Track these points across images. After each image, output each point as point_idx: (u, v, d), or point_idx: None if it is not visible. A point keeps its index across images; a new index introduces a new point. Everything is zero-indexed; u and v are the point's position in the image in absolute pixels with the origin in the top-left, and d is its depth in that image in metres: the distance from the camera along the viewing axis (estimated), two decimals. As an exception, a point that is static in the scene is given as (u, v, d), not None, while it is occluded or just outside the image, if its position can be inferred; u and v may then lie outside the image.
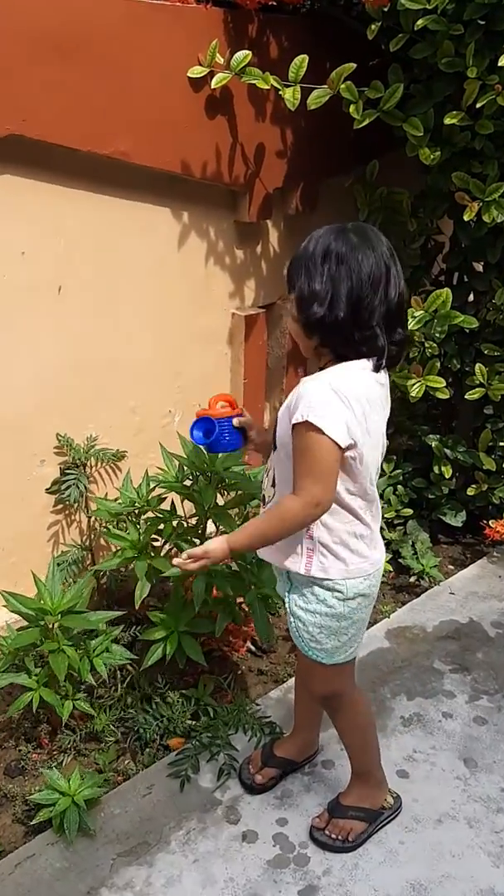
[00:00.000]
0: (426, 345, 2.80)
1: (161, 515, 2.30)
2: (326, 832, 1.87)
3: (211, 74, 2.35)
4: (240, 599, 2.23)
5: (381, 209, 2.89)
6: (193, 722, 2.18)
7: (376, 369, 1.55)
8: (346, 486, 1.56)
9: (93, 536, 2.60)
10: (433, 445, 3.02)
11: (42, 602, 2.04)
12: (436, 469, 3.04)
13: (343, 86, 2.34)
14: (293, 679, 2.39)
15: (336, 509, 1.57)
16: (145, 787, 1.99)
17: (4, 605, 2.10)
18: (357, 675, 2.26)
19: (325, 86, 2.34)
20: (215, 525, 2.25)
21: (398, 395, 3.07)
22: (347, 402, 1.48)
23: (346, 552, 1.61)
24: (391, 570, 2.93)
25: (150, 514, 2.34)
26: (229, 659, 2.44)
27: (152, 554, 2.27)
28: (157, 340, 2.60)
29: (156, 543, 2.32)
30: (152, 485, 2.37)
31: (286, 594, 1.69)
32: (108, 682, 2.22)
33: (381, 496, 2.96)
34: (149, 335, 2.58)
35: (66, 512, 2.56)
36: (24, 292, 2.24)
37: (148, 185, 2.41)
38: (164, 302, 2.58)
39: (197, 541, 2.27)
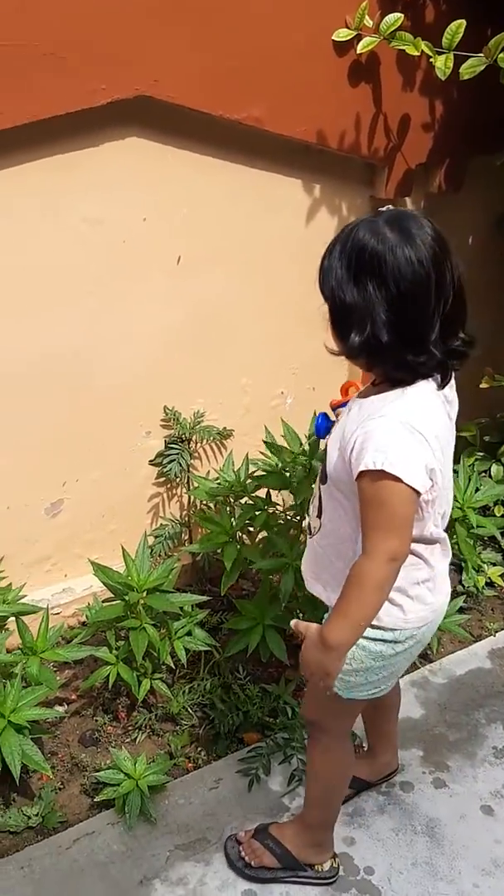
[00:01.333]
0: None
1: (256, 503, 2.21)
2: (239, 847, 1.75)
3: (358, 38, 2.19)
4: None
5: (534, 192, 2.65)
6: (270, 719, 2.09)
7: (441, 387, 1.33)
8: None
9: (192, 512, 2.54)
10: None
11: (129, 578, 2.00)
12: None
13: (502, 55, 2.13)
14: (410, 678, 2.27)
15: None
16: (213, 780, 1.93)
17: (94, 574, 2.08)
18: (450, 695, 2.12)
19: (481, 54, 2.13)
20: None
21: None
22: (424, 439, 1.26)
23: (404, 599, 1.42)
24: (502, 584, 2.73)
25: (247, 500, 2.26)
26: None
27: (246, 541, 2.19)
28: (274, 318, 2.49)
29: (252, 529, 2.24)
30: (252, 469, 2.28)
31: (325, 617, 1.46)
32: (189, 664, 2.17)
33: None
34: (267, 312, 2.47)
35: (168, 486, 2.51)
36: (142, 260, 2.18)
37: (279, 154, 2.29)
38: (286, 278, 2.46)
39: (293, 531, 2.17)
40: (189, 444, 2.43)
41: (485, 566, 2.62)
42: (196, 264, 2.26)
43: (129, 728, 2.11)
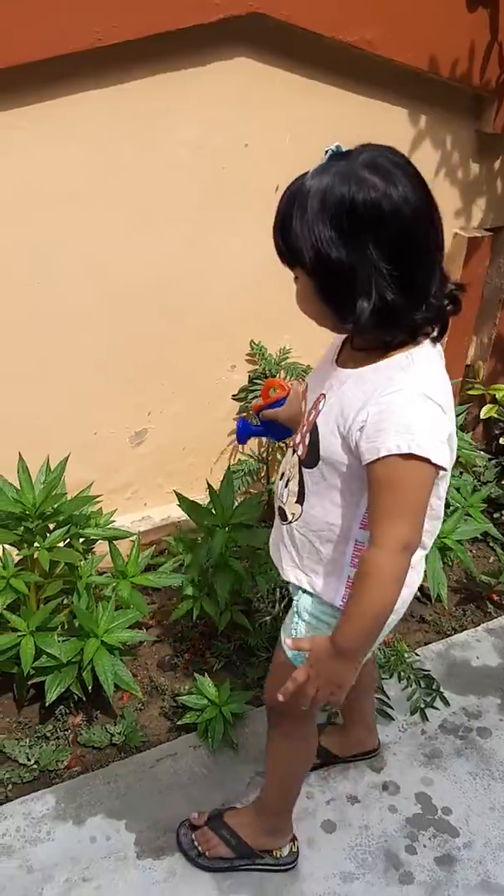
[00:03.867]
0: None
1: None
2: (193, 836, 1.65)
3: (480, -41, 2.07)
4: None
5: None
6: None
7: (439, 339, 1.20)
8: None
9: (270, 450, 2.53)
10: None
11: (214, 511, 2.01)
12: None
13: None
14: (458, 634, 2.27)
15: None
16: (291, 714, 1.95)
17: (178, 504, 2.09)
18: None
19: None
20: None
21: None
22: (442, 410, 1.14)
23: None
24: None
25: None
26: (392, 599, 2.33)
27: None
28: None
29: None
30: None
31: (299, 592, 1.36)
32: (267, 598, 2.18)
33: None
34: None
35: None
36: (241, 188, 2.13)
37: (386, 81, 2.20)
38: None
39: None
40: (270, 376, 2.41)
41: None
42: (294, 195, 2.20)
43: (207, 657, 2.14)
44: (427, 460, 1.10)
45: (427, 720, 1.97)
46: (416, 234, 1.08)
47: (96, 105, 1.84)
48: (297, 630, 1.36)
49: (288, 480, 1.31)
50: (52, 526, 1.78)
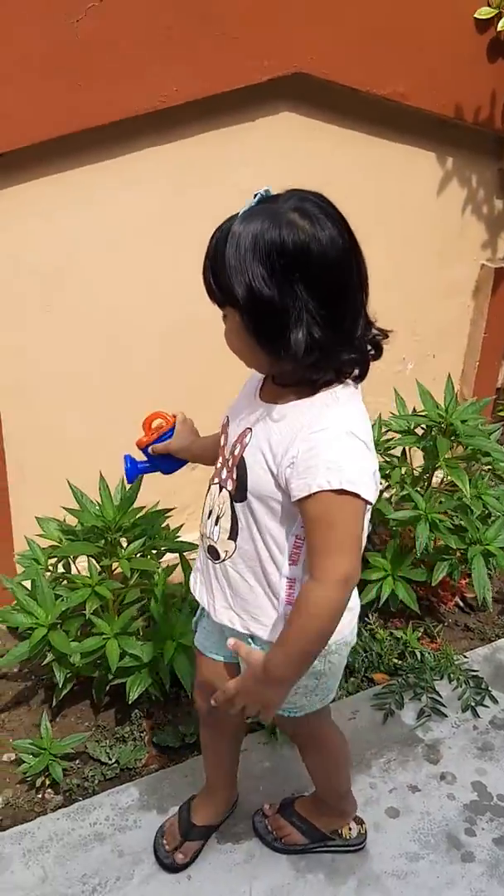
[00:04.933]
0: None
1: (389, 461, 2.34)
2: (266, 822, 1.76)
3: (498, 16, 2.28)
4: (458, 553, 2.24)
5: None
6: (400, 661, 2.24)
7: (359, 381, 1.23)
8: None
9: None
10: None
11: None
12: None
13: None
14: (501, 640, 2.39)
15: None
16: (350, 712, 2.08)
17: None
18: None
19: None
20: (444, 476, 2.25)
21: None
22: (366, 446, 1.18)
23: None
24: None
25: (379, 460, 2.39)
26: (437, 610, 2.46)
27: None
28: (402, 285, 2.60)
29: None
30: (384, 429, 2.41)
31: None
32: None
33: None
34: (395, 280, 2.58)
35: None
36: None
37: (416, 128, 2.40)
38: (415, 248, 2.58)
39: (420, 491, 2.29)
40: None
41: None
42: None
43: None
44: (357, 495, 1.13)
45: (478, 717, 2.09)
46: (341, 276, 1.13)
47: (160, 158, 2.05)
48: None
49: (218, 518, 1.31)
50: (127, 539, 1.94)
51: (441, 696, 2.13)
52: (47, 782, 1.88)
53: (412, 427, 2.28)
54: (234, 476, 1.26)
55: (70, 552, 1.87)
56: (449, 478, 2.14)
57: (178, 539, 2.06)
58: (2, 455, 2.10)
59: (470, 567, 2.15)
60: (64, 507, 1.96)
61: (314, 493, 1.14)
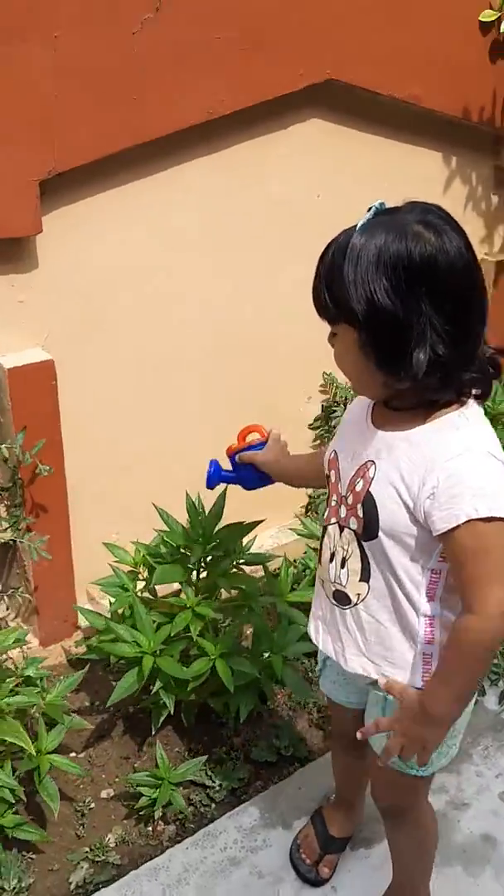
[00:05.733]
0: None
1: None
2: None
3: (500, 19, 2.36)
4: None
5: None
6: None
7: (485, 400, 1.19)
8: None
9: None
10: None
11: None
12: None
13: None
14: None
15: (455, 599, 1.18)
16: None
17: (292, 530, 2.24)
18: None
19: None
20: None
21: None
22: None
23: None
24: None
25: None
26: None
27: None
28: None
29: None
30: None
31: (383, 701, 1.30)
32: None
33: None
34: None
35: (323, 447, 2.68)
36: (313, 234, 2.32)
37: (425, 129, 2.46)
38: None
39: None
40: (345, 406, 2.60)
41: None
42: (357, 236, 2.43)
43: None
44: None
45: None
46: (466, 291, 1.08)
47: (204, 168, 2.03)
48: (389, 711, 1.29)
49: (344, 560, 1.23)
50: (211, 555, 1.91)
51: (518, 683, 2.19)
52: (157, 815, 1.83)
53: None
54: (361, 514, 1.18)
55: (164, 578, 1.82)
56: None
57: (252, 552, 2.04)
58: (63, 482, 2.03)
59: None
60: (156, 529, 1.91)
61: (462, 524, 1.07)
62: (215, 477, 1.53)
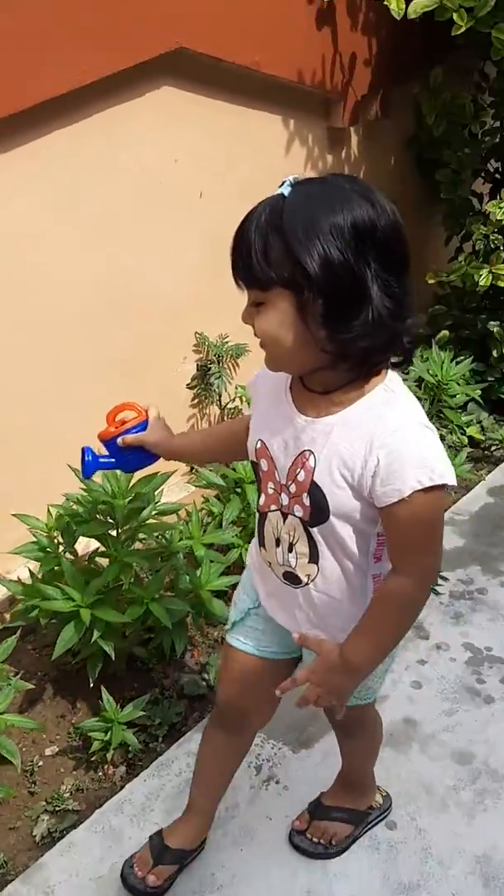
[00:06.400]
0: (491, 238, 3.13)
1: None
2: (307, 836, 1.68)
3: (320, -13, 2.56)
4: None
5: (445, 113, 3.16)
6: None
7: (407, 364, 1.22)
8: None
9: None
10: (495, 331, 3.36)
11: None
12: (495, 353, 3.39)
13: (442, -3, 2.58)
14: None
15: None
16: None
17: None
18: (472, 525, 2.63)
19: (428, -4, 2.57)
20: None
21: (448, 290, 3.40)
22: (434, 431, 1.17)
23: None
24: (465, 444, 3.27)
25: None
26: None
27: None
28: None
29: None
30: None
31: None
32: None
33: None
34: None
35: (200, 407, 2.80)
36: (174, 197, 2.44)
37: (266, 94, 2.62)
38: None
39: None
40: (220, 363, 2.73)
41: (463, 426, 3.16)
42: (213, 199, 2.55)
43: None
44: (444, 486, 1.12)
45: (439, 594, 2.43)
46: (404, 249, 1.11)
47: (64, 142, 2.07)
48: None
49: (291, 545, 1.26)
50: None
51: (407, 586, 2.44)
52: (109, 756, 1.91)
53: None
54: (308, 503, 1.19)
55: (89, 532, 1.89)
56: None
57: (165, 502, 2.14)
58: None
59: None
60: (64, 494, 1.97)
61: (407, 497, 1.11)
62: (92, 465, 1.42)
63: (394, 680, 2.12)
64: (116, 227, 2.30)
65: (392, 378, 1.18)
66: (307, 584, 1.27)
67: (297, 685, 1.27)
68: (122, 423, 1.42)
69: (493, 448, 3.28)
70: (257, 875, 1.65)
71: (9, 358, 2.13)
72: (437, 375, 3.00)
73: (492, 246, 3.14)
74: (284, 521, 1.25)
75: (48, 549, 1.92)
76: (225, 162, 2.56)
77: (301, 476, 1.19)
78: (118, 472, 1.93)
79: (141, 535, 2.01)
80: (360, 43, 2.84)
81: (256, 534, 1.33)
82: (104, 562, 1.96)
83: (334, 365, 1.12)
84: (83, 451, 1.42)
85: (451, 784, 1.84)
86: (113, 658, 1.89)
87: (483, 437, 3.24)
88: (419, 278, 3.40)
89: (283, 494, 1.24)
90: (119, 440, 1.40)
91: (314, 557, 1.24)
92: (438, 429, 2.80)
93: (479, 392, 3.18)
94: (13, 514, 2.07)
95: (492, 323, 3.39)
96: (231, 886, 1.63)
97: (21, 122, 1.93)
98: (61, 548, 1.97)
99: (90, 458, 1.41)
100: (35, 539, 1.95)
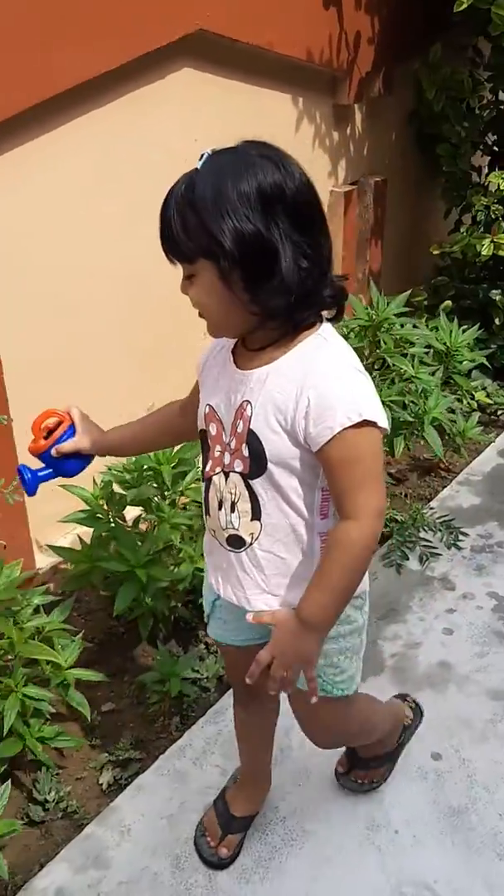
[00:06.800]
0: (492, 208, 3.24)
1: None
2: (351, 778, 1.76)
3: (328, -32, 2.64)
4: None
5: (444, 89, 3.26)
6: (385, 529, 2.62)
7: (338, 320, 1.25)
8: None
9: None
10: (497, 300, 3.47)
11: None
12: (497, 321, 3.51)
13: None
14: (443, 490, 2.85)
15: None
16: (371, 576, 2.43)
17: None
18: (487, 485, 2.75)
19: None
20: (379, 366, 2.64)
21: (449, 262, 3.52)
22: (367, 377, 1.19)
23: None
24: (476, 409, 3.39)
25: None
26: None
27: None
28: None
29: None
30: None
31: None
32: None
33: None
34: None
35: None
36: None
37: (277, 73, 2.70)
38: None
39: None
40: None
41: (472, 391, 3.28)
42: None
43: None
44: (375, 424, 1.14)
45: (461, 549, 2.55)
46: (315, 207, 1.16)
47: (95, 120, 2.15)
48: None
49: (233, 504, 1.25)
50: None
51: (430, 541, 2.56)
52: (165, 708, 2.02)
53: (347, 332, 2.64)
54: (246, 453, 1.21)
55: (141, 495, 1.99)
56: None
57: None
58: (11, 433, 2.12)
59: (423, 433, 2.59)
60: (107, 465, 2.07)
61: (337, 434, 1.13)
62: (33, 482, 1.41)
63: (425, 628, 2.25)
64: (146, 211, 2.37)
65: (325, 328, 1.21)
66: (251, 544, 1.25)
67: (262, 666, 1.24)
68: (47, 431, 1.41)
69: (499, 413, 3.40)
70: (318, 806, 1.76)
71: (45, 340, 2.22)
72: (445, 343, 3.11)
73: (492, 216, 3.25)
74: (227, 481, 1.25)
75: (98, 516, 2.01)
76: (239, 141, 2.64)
77: (240, 427, 1.21)
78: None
79: (182, 500, 2.11)
80: (364, 21, 2.92)
81: (203, 503, 1.34)
82: (142, 527, 2.06)
83: (263, 324, 1.16)
84: (19, 470, 1.41)
85: (489, 718, 1.97)
86: (167, 614, 1.99)
87: (490, 402, 3.36)
88: (422, 251, 3.51)
89: (225, 453, 1.25)
90: (53, 451, 1.40)
91: (256, 513, 1.23)
92: (449, 395, 2.93)
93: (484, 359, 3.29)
94: (60, 485, 2.16)
95: (493, 292, 3.50)
96: (294, 817, 1.75)
97: (52, 107, 2.01)
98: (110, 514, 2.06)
99: (29, 475, 1.40)
100: (84, 508, 2.03)
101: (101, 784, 1.88)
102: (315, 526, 1.24)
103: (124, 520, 2.10)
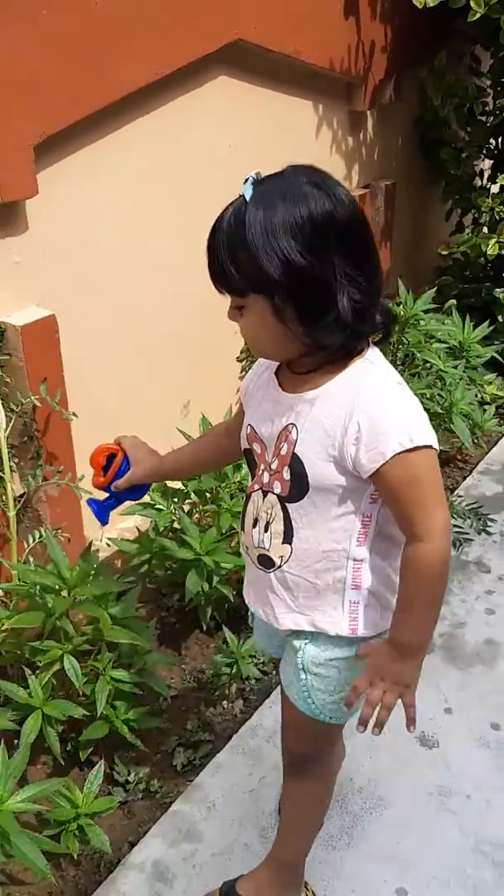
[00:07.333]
0: (497, 209, 3.37)
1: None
2: None
3: (349, -21, 2.74)
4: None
5: (449, 95, 3.39)
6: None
7: (386, 342, 1.25)
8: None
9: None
10: (501, 297, 3.61)
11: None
12: (500, 318, 3.64)
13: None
14: (467, 478, 2.96)
15: (381, 540, 1.24)
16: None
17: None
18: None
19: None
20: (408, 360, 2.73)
21: (450, 262, 3.64)
22: (414, 397, 1.18)
23: (390, 594, 1.26)
24: (490, 401, 3.50)
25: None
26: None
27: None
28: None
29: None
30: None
31: (301, 648, 1.30)
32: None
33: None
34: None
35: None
36: (236, 183, 2.60)
37: (300, 81, 2.80)
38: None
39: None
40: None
41: (484, 385, 3.40)
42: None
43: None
44: (429, 446, 1.13)
45: (490, 534, 2.66)
46: (366, 236, 1.15)
47: (145, 127, 2.23)
48: (308, 689, 1.31)
49: (267, 524, 1.25)
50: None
51: (462, 527, 2.66)
52: (232, 690, 2.09)
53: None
54: (288, 476, 1.20)
55: (208, 484, 2.06)
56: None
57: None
58: (69, 428, 2.18)
59: (450, 424, 2.69)
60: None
61: (390, 459, 1.12)
62: (103, 513, 1.49)
63: (468, 609, 2.35)
64: (193, 213, 2.45)
65: (372, 352, 1.20)
66: (280, 566, 1.26)
67: (360, 693, 1.24)
68: (102, 466, 1.47)
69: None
70: (390, 777, 1.85)
71: (105, 347, 2.30)
72: (458, 339, 3.22)
73: (497, 217, 3.39)
74: (264, 500, 1.25)
75: (161, 507, 2.08)
76: (271, 147, 2.73)
77: (284, 449, 1.20)
78: None
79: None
80: (379, 30, 3.03)
81: (241, 518, 1.35)
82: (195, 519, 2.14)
83: (313, 352, 1.16)
84: (89, 504, 1.50)
85: (542, 689, 2.08)
86: (232, 600, 2.06)
87: (501, 394, 3.48)
88: (424, 252, 3.64)
89: (265, 473, 1.25)
90: (112, 487, 1.46)
91: (288, 537, 1.23)
92: (467, 389, 3.04)
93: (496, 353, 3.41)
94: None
95: (497, 290, 3.64)
96: (369, 788, 1.83)
97: (108, 115, 2.08)
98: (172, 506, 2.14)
99: (97, 508, 1.49)
100: (150, 497, 2.10)
101: (175, 765, 1.95)
102: (351, 553, 1.23)
103: (184, 511, 2.17)
